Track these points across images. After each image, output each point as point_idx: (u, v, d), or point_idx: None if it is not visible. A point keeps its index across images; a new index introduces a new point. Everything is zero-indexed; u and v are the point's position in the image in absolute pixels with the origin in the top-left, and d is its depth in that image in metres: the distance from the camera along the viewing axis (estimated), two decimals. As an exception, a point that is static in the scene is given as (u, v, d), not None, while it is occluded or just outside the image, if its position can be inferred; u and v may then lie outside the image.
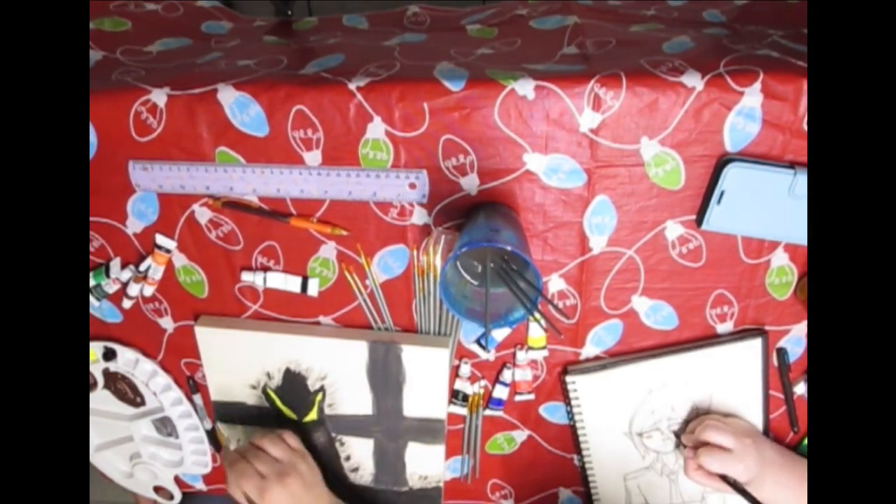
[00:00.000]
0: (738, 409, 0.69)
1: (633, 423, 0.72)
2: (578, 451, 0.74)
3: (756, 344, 0.66)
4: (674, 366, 0.67)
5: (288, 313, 0.70)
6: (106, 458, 0.85)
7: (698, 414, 0.70)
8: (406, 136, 0.58)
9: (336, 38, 0.70)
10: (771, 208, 0.57)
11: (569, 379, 0.69)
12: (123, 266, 0.69)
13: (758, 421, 0.70)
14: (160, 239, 0.67)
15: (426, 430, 0.73)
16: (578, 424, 0.72)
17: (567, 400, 0.71)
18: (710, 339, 0.67)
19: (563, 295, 0.65)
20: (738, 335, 0.66)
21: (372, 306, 0.68)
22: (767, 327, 0.66)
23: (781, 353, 0.67)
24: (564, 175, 0.59)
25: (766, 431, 0.70)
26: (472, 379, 0.72)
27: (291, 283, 0.67)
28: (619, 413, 0.71)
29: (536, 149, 0.58)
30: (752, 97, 0.54)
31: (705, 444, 0.65)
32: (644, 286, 0.64)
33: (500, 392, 0.71)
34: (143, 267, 0.68)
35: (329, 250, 0.65)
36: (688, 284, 0.64)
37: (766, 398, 0.69)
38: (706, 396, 0.69)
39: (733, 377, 0.68)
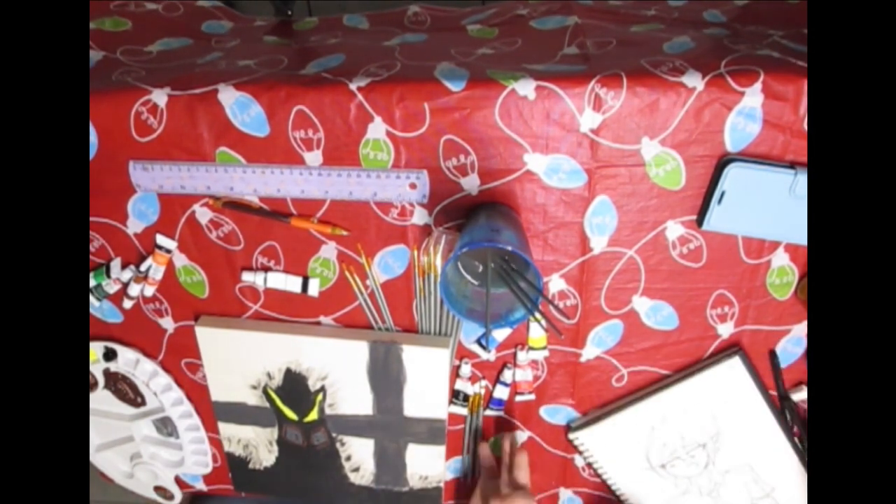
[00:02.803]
0: (747, 422, 0.69)
1: (651, 458, 0.73)
2: (616, 497, 0.76)
3: (735, 363, 0.66)
4: (666, 400, 0.68)
5: (288, 313, 0.70)
6: (106, 458, 0.85)
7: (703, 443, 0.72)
8: (407, 136, 0.58)
9: (336, 38, 0.70)
10: (772, 208, 0.57)
11: (572, 436, 0.72)
12: (124, 266, 0.69)
13: (772, 426, 0.69)
14: (161, 239, 0.67)
15: (427, 430, 0.73)
16: (600, 471, 0.74)
17: (581, 454, 0.73)
18: (691, 366, 0.68)
19: (563, 295, 0.65)
20: (715, 358, 0.67)
21: (372, 306, 0.68)
22: (768, 327, 0.66)
23: (772, 356, 0.67)
24: (565, 175, 0.59)
25: (790, 432, 0.70)
26: (473, 379, 0.72)
27: (292, 284, 0.67)
28: (633, 453, 0.72)
29: (537, 149, 0.58)
30: (753, 97, 0.54)
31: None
32: (645, 286, 0.64)
33: (501, 392, 0.71)
34: (143, 267, 0.68)
35: (329, 250, 0.65)
36: (688, 285, 0.64)
37: (772, 403, 0.68)
38: (709, 419, 0.70)
39: (728, 396, 0.68)
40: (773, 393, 0.69)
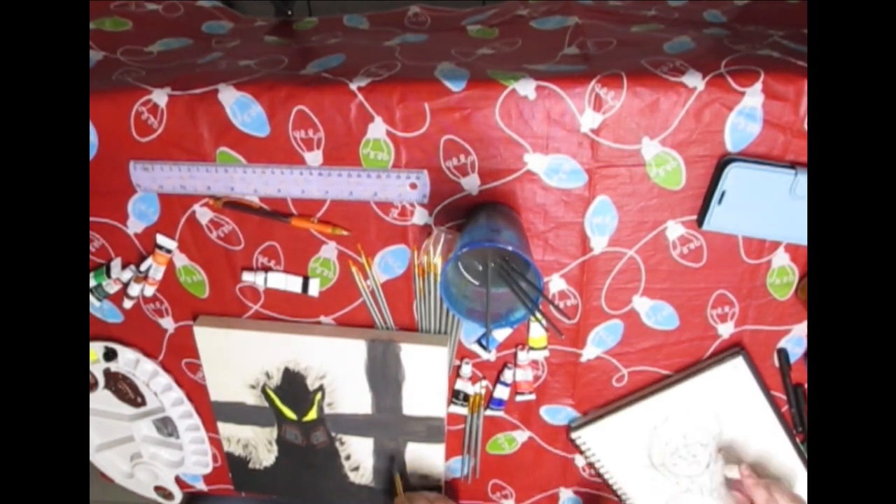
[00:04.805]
0: (749, 421, 0.69)
1: (653, 456, 0.73)
2: (616, 496, 0.76)
3: (738, 363, 0.66)
4: (668, 400, 0.68)
5: (289, 313, 0.70)
6: (106, 458, 0.85)
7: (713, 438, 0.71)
8: (407, 136, 0.58)
9: (337, 38, 0.70)
10: (772, 208, 0.57)
11: (574, 435, 0.72)
12: (124, 266, 0.69)
13: (774, 426, 0.69)
14: (161, 239, 0.67)
15: (425, 428, 0.73)
16: (602, 471, 0.74)
17: (583, 454, 0.73)
18: (692, 366, 0.68)
19: (564, 295, 0.65)
20: (718, 358, 0.67)
21: (374, 306, 0.68)
22: (768, 327, 0.66)
23: (782, 353, 0.67)
24: (565, 175, 0.59)
25: (789, 431, 0.70)
26: (474, 379, 0.72)
27: (292, 284, 0.67)
28: (635, 451, 0.72)
29: (537, 149, 0.58)
30: (753, 97, 0.54)
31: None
32: (645, 286, 0.64)
33: (501, 392, 0.71)
34: (143, 267, 0.68)
35: (330, 250, 0.65)
36: (689, 285, 0.64)
37: (774, 404, 0.68)
38: (713, 418, 0.70)
39: (731, 396, 0.68)
40: (775, 393, 0.69)
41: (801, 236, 0.59)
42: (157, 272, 0.68)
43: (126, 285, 0.70)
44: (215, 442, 0.81)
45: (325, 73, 0.60)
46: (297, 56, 0.66)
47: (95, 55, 0.67)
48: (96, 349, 0.75)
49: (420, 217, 0.62)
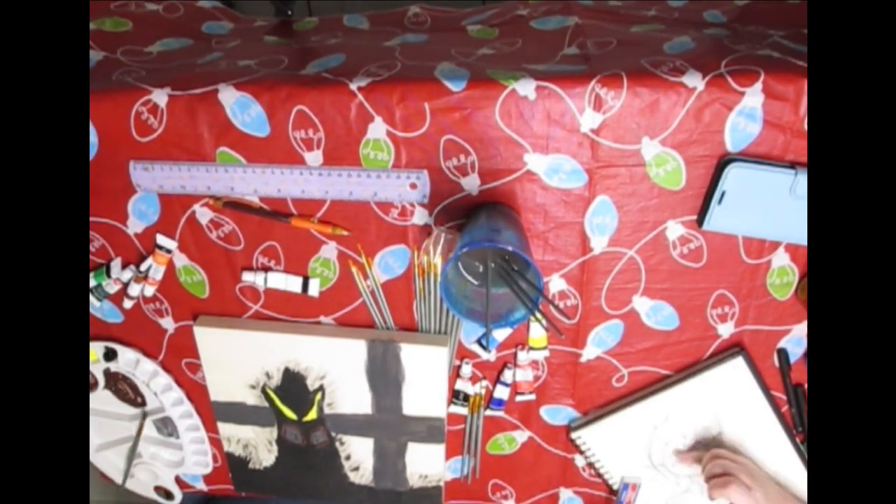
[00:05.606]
0: (749, 422, 0.69)
1: (653, 457, 0.73)
2: (614, 494, 0.76)
3: (738, 363, 0.66)
4: (668, 400, 0.69)
5: (289, 313, 0.70)
6: (106, 458, 0.85)
7: (706, 441, 0.71)
8: (407, 136, 0.58)
9: (337, 38, 0.70)
10: (772, 208, 0.57)
11: (574, 435, 0.72)
12: (124, 266, 0.69)
13: (774, 426, 0.69)
14: (161, 239, 0.67)
15: (426, 428, 0.73)
16: (602, 471, 0.74)
17: (583, 454, 0.73)
18: (692, 366, 0.68)
19: (563, 295, 0.65)
20: (718, 358, 0.67)
21: (374, 306, 0.68)
22: (768, 327, 0.66)
23: (782, 353, 0.67)
24: (565, 175, 0.59)
25: (789, 431, 0.70)
26: (474, 379, 0.72)
27: (292, 284, 0.67)
28: (634, 451, 0.72)
29: (537, 149, 0.58)
30: (753, 97, 0.54)
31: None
32: (645, 286, 0.64)
33: (501, 392, 0.71)
34: (143, 267, 0.68)
35: (330, 250, 0.65)
36: (689, 285, 0.64)
37: (774, 404, 0.68)
38: (713, 418, 0.70)
39: (731, 396, 0.68)
40: (775, 393, 0.69)
41: (801, 236, 0.59)
42: (157, 272, 0.68)
43: (126, 285, 0.70)
44: (215, 442, 0.81)
45: (325, 73, 0.60)
46: (297, 56, 0.66)
47: (95, 55, 0.67)
48: (96, 349, 0.75)
49: (420, 217, 0.62)
